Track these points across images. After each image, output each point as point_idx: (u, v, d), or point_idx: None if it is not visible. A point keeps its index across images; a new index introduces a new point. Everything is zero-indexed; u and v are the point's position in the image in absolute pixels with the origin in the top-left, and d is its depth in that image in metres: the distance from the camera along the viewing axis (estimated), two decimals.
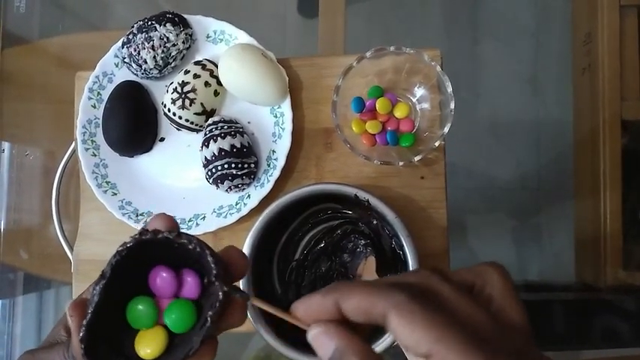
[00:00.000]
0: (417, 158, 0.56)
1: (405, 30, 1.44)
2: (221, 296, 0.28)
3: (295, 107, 0.60)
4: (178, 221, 0.60)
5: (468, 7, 1.43)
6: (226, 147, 0.57)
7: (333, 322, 0.27)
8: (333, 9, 0.96)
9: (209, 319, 0.28)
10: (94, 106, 0.63)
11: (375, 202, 0.52)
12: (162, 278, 0.29)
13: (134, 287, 0.30)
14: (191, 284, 0.30)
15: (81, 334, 0.27)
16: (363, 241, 0.57)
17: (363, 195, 0.52)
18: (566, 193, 1.24)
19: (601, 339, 1.06)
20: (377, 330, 0.52)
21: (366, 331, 0.30)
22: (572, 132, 1.22)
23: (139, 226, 0.60)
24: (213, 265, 0.28)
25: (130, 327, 0.30)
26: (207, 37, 0.63)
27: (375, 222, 0.56)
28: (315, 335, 0.27)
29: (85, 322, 0.28)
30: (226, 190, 0.59)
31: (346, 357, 0.26)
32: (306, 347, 0.51)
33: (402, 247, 0.52)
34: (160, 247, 0.29)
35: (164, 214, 0.31)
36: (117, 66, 0.64)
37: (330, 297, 0.27)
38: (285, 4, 1.45)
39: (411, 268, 0.51)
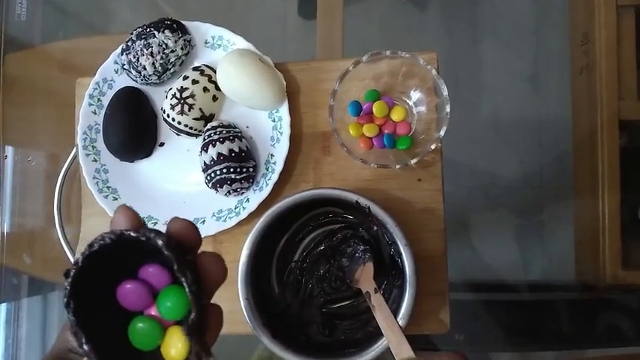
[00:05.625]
0: (413, 161, 0.56)
1: (405, 30, 1.44)
2: (176, 264, 0.26)
3: (293, 111, 0.61)
4: None
5: (468, 7, 1.43)
6: (225, 151, 0.57)
7: None
8: (331, 11, 0.96)
9: (188, 274, 0.26)
10: (95, 112, 0.64)
11: (376, 209, 0.52)
12: (132, 291, 0.27)
13: (111, 309, 0.28)
14: (156, 274, 0.28)
15: None
16: (362, 247, 0.57)
17: (364, 202, 0.52)
18: (568, 192, 1.24)
19: (603, 337, 1.06)
20: (371, 338, 0.52)
21: None
22: (571, 132, 1.22)
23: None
24: (163, 245, 0.27)
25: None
26: (206, 42, 0.63)
27: (375, 228, 0.56)
28: None
29: None
30: (225, 194, 0.59)
31: None
32: (302, 350, 0.52)
33: (400, 255, 0.52)
34: (99, 260, 0.27)
35: (124, 206, 0.29)
36: (117, 72, 0.64)
37: None
38: (285, 6, 1.45)
39: (407, 277, 0.51)
